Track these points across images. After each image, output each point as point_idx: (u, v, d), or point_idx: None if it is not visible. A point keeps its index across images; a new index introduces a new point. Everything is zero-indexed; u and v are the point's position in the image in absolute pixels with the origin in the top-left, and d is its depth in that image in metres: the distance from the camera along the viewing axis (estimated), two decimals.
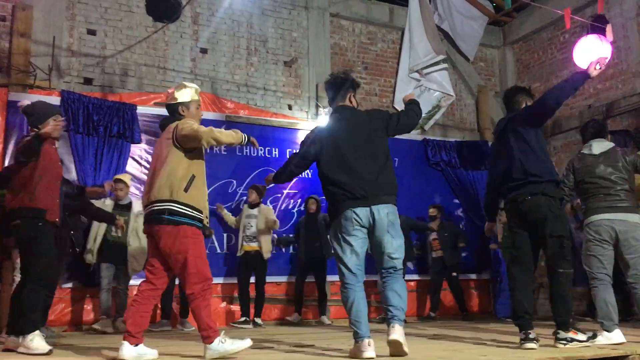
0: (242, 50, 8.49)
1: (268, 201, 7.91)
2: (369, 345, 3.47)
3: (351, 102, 3.99)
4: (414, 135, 8.98)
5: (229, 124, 7.57)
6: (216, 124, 6.83)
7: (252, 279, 7.23)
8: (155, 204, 3.58)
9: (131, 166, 7.41)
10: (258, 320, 7.08)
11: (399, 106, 8.71)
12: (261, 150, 8.06)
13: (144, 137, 7.45)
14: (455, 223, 9.02)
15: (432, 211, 8.46)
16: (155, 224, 3.58)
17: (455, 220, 9.15)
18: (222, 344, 3.50)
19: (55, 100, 6.95)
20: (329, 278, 7.74)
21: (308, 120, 8.56)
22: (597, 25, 7.97)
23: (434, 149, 9.27)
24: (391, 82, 9.43)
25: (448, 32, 9.70)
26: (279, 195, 8.14)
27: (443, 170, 9.29)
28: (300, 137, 8.32)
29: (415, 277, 8.71)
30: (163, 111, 7.34)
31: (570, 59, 8.44)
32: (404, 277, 3.74)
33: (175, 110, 3.84)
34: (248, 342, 3.61)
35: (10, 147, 6.69)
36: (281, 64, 8.74)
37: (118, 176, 6.70)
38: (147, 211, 3.66)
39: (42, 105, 4.39)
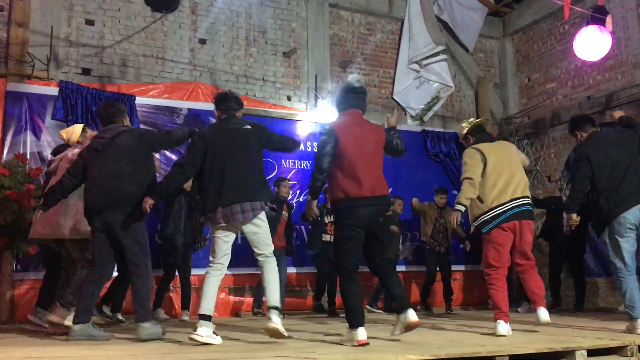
0: (240, 40, 8.46)
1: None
2: None
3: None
4: (413, 126, 8.97)
5: None
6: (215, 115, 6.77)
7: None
8: (527, 205, 4.40)
9: None
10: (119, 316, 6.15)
11: (398, 97, 8.70)
12: None
13: (142, 127, 7.42)
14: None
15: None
16: (527, 219, 4.42)
17: None
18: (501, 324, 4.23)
19: (53, 90, 6.95)
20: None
21: (307, 112, 8.54)
22: (597, 16, 7.95)
23: (433, 140, 9.27)
24: (390, 73, 9.39)
25: (448, 23, 9.66)
26: None
27: (442, 161, 9.28)
28: (300, 128, 8.36)
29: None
30: (161, 102, 7.50)
31: (569, 49, 8.44)
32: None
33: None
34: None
35: (9, 137, 6.69)
36: (280, 55, 8.72)
37: None
38: (516, 208, 4.37)
39: None
